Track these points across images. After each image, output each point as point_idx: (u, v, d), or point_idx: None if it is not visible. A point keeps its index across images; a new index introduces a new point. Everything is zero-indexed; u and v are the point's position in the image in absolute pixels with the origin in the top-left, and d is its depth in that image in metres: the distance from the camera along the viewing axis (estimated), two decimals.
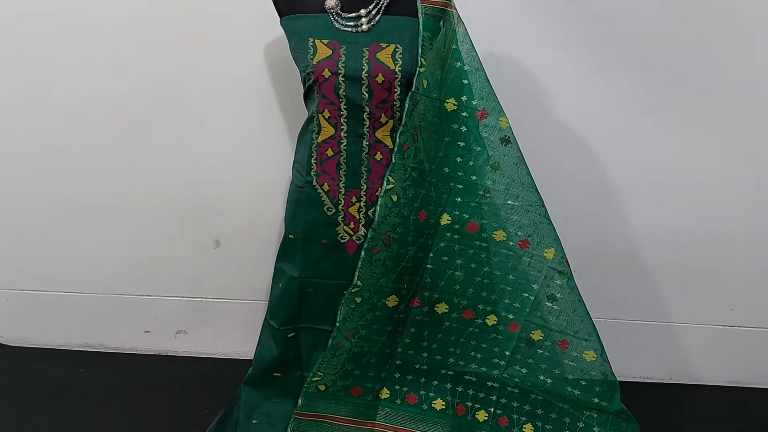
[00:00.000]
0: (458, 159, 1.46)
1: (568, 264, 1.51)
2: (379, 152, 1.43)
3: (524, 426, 1.60)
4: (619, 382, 1.55)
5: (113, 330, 2.12)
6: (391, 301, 1.51)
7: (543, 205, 1.48)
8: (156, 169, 1.90)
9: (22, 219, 1.99)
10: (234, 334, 2.09)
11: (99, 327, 2.11)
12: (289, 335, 1.57)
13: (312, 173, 1.45)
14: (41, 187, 1.94)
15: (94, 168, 1.91)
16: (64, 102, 1.83)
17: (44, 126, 1.86)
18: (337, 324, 1.48)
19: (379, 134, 1.41)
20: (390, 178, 1.40)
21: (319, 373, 1.50)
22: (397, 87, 1.37)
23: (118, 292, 2.07)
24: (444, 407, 1.60)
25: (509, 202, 1.48)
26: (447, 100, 1.42)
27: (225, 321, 2.09)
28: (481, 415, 1.61)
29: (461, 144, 1.45)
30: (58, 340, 2.14)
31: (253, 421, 1.60)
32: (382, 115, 1.39)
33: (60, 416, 1.77)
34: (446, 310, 1.56)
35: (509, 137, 1.45)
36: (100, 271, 2.04)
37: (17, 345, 2.14)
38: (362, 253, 1.44)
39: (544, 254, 1.50)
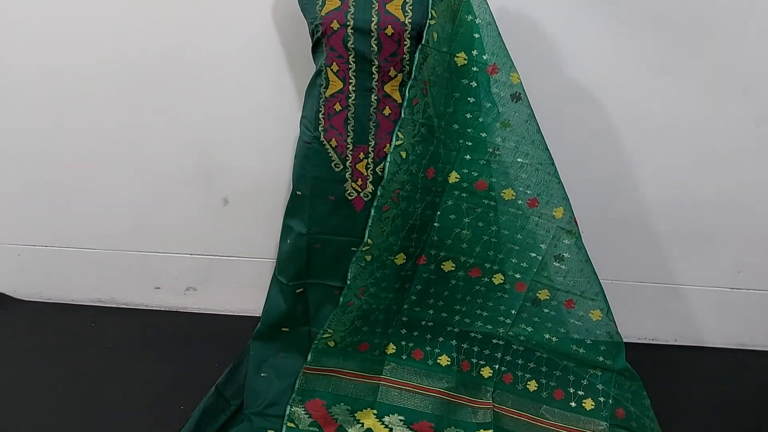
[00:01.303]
0: (468, 115, 1.45)
1: (577, 224, 1.50)
2: (387, 107, 1.41)
3: (528, 383, 1.61)
4: (625, 343, 1.56)
5: (124, 286, 2.14)
6: (400, 258, 1.52)
7: (553, 164, 1.47)
8: (164, 126, 1.90)
9: (35, 176, 2.00)
10: (242, 291, 2.11)
11: (110, 283, 2.14)
12: (297, 291, 1.58)
13: (320, 128, 1.44)
14: (53, 145, 1.95)
15: (104, 126, 1.91)
16: (75, 61, 1.82)
17: (55, 85, 1.86)
18: (348, 282, 1.48)
19: (387, 88, 1.40)
20: (399, 133, 1.39)
21: (329, 330, 1.52)
22: (407, 39, 1.34)
23: (128, 249, 2.09)
24: (449, 363, 1.61)
25: (519, 160, 1.47)
26: (457, 55, 1.40)
27: (234, 278, 2.11)
28: (486, 372, 1.62)
29: (471, 100, 1.43)
30: (71, 295, 2.17)
31: (262, 375, 1.62)
32: (391, 68, 1.37)
33: (73, 368, 1.81)
34: (453, 269, 1.56)
35: (520, 93, 1.43)
36: (111, 227, 2.06)
37: (31, 299, 2.18)
38: (372, 212, 1.43)
39: (553, 213, 1.49)
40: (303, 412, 1.53)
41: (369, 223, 1.44)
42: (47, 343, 1.93)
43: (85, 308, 2.14)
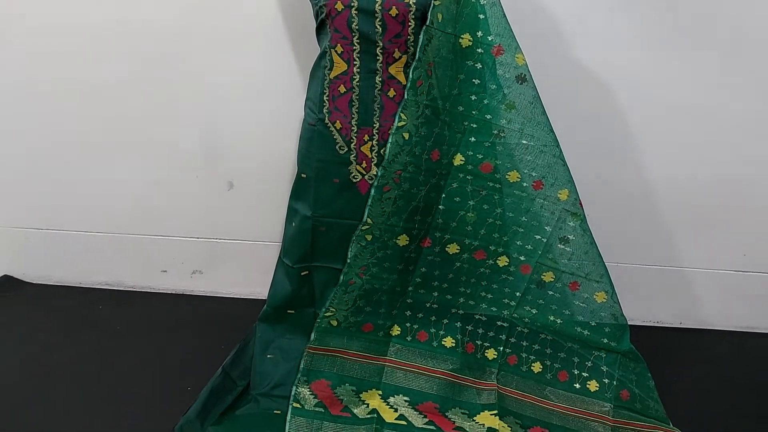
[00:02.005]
0: (473, 97, 1.44)
1: (582, 206, 1.50)
2: (392, 89, 1.41)
3: (533, 364, 1.62)
4: (629, 326, 1.56)
5: (131, 269, 2.16)
6: (402, 240, 1.52)
7: (558, 146, 1.46)
8: (169, 109, 1.90)
9: (41, 159, 2.02)
10: (248, 274, 2.13)
11: (117, 266, 2.16)
12: (303, 273, 1.59)
13: (324, 110, 1.44)
14: (59, 128, 1.96)
15: (110, 109, 1.92)
16: (79, 43, 1.83)
17: (58, 67, 1.87)
18: (348, 260, 1.49)
19: (392, 70, 1.39)
20: (402, 114, 1.38)
21: (331, 309, 1.53)
22: (411, 20, 1.33)
23: (134, 232, 2.10)
24: (454, 345, 1.62)
25: (524, 142, 1.46)
26: (462, 36, 1.39)
27: (239, 262, 2.12)
28: (491, 354, 1.63)
29: (476, 81, 1.42)
30: (78, 278, 2.19)
31: (268, 356, 1.63)
32: (396, 49, 1.37)
33: (82, 350, 1.83)
34: (457, 251, 1.56)
35: (525, 75, 1.42)
36: (117, 211, 2.07)
37: (39, 282, 2.20)
38: (372, 191, 1.44)
39: (558, 195, 1.49)
40: (309, 393, 1.54)
41: (368, 203, 1.44)
42: (56, 326, 1.95)
43: (92, 291, 2.16)
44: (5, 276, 2.20)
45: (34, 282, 2.20)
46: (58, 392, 1.65)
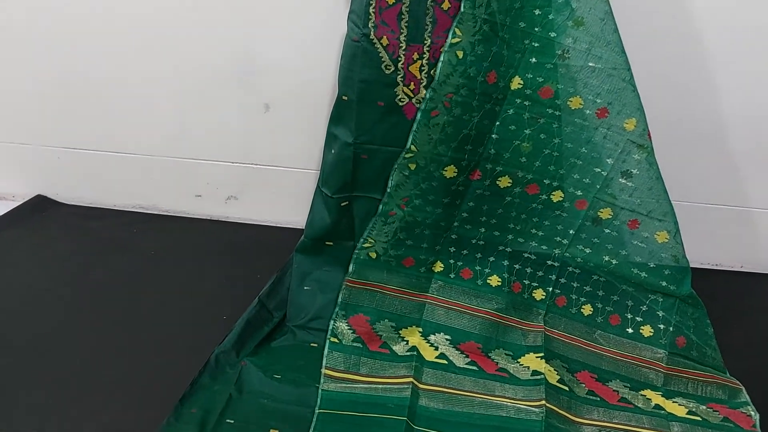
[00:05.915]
0: (536, 12, 1.29)
1: (650, 137, 1.37)
2: (446, 0, 1.26)
3: (583, 307, 1.53)
4: None
5: (165, 193, 2.12)
6: (449, 171, 1.42)
7: (629, 69, 1.32)
8: (202, 27, 1.79)
9: (73, 78, 1.94)
10: (284, 202, 2.06)
11: (152, 189, 2.12)
12: (342, 204, 1.52)
13: (370, 24, 1.31)
14: (92, 48, 1.88)
15: (144, 28, 1.82)
16: None
17: None
18: (389, 190, 1.41)
19: None
20: (457, 30, 1.25)
21: (370, 240, 1.46)
22: None
23: (168, 155, 2.04)
24: (500, 284, 1.54)
25: (590, 64, 1.32)
26: None
27: (276, 189, 2.05)
28: (539, 294, 1.55)
29: None
30: (112, 200, 2.16)
31: (305, 288, 1.59)
32: None
33: (115, 273, 1.80)
34: (509, 185, 1.46)
35: None
36: (151, 133, 2.00)
37: (72, 203, 2.17)
38: (418, 115, 1.33)
39: (624, 125, 1.36)
40: (347, 328, 1.50)
41: (414, 128, 1.35)
42: (90, 247, 1.93)
43: (126, 214, 2.12)
44: (38, 196, 2.18)
45: (67, 203, 2.18)
46: (91, 314, 1.63)
